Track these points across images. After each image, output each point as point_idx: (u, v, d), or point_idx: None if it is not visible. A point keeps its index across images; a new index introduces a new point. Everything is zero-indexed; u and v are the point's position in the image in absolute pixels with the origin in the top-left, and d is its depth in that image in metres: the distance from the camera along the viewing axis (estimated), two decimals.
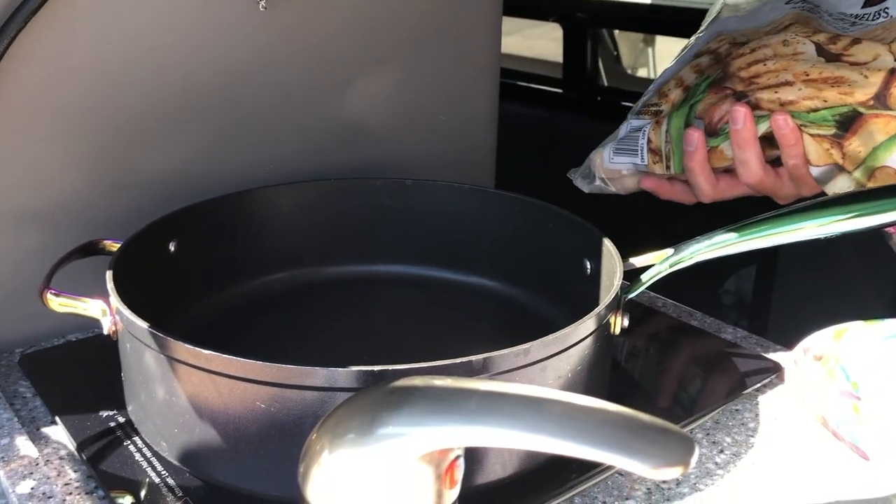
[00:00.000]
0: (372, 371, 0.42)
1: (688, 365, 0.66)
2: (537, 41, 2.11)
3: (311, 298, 0.67)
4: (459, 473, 0.34)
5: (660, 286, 0.56)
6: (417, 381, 0.33)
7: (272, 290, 0.67)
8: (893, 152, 0.59)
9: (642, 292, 0.54)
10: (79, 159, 0.64)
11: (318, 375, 0.42)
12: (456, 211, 0.69)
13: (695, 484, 0.51)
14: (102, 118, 0.64)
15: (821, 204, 0.52)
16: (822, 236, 0.51)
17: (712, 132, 0.66)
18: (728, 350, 0.65)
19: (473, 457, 0.45)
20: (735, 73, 0.66)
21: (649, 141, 0.70)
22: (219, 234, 0.65)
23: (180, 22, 0.64)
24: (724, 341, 0.66)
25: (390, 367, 0.42)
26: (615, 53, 1.78)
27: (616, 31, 1.79)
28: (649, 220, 0.97)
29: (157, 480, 0.49)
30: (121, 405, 0.54)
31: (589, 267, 0.60)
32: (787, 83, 0.62)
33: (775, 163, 0.65)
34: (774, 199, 0.67)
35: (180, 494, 0.48)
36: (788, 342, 0.62)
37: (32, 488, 0.48)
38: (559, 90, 1.61)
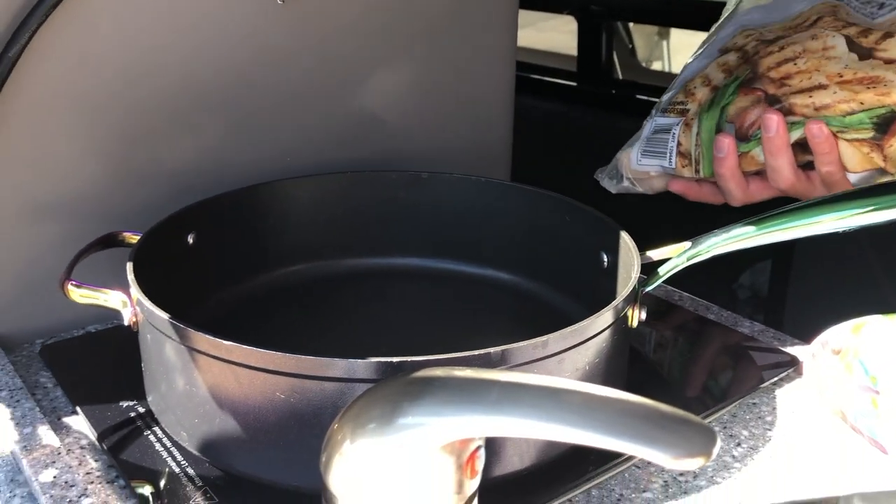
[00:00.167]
0: (391, 362, 0.42)
1: (705, 358, 0.66)
2: (550, 34, 2.10)
3: (328, 291, 0.68)
4: (480, 464, 0.34)
5: (674, 280, 0.56)
6: (438, 371, 0.33)
7: (290, 282, 0.68)
8: None
9: (658, 286, 0.54)
10: (99, 152, 0.64)
11: (338, 366, 0.43)
12: (472, 204, 0.69)
13: (712, 477, 0.51)
14: (122, 111, 0.64)
15: (839, 197, 0.51)
16: (841, 230, 0.51)
17: (743, 137, 0.65)
18: (745, 344, 0.64)
19: (491, 448, 0.46)
20: (765, 73, 0.65)
21: (679, 144, 0.69)
22: (237, 227, 0.65)
23: (200, 15, 0.65)
24: (742, 335, 0.66)
25: (409, 359, 0.42)
26: (630, 46, 1.77)
27: (631, 24, 1.78)
28: (666, 212, 0.97)
29: (177, 470, 0.49)
30: (141, 395, 0.54)
31: (606, 260, 0.60)
32: (821, 86, 0.61)
33: (807, 166, 0.64)
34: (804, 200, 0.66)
35: (200, 484, 0.48)
36: (804, 336, 0.62)
37: (55, 477, 0.49)
38: (573, 83, 1.60)
